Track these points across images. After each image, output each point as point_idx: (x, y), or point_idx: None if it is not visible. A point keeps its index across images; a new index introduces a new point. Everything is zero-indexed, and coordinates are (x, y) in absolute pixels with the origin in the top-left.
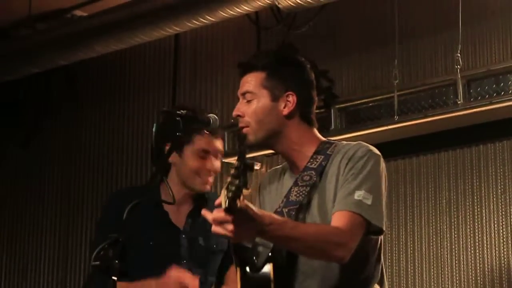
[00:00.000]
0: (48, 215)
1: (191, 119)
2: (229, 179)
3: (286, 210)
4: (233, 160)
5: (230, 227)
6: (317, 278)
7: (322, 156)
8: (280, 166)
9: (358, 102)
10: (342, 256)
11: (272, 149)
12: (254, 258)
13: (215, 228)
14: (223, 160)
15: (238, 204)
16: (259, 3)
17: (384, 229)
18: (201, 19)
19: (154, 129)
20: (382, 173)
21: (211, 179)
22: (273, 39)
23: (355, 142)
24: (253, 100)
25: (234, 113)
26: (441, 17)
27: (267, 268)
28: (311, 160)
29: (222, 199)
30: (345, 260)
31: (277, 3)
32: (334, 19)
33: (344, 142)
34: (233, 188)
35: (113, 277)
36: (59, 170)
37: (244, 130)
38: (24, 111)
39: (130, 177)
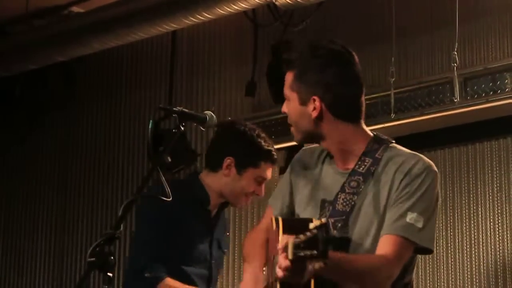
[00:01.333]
0: (44, 212)
1: (188, 116)
2: (302, 236)
3: (332, 221)
4: None
5: (290, 275)
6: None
7: (371, 160)
8: (316, 146)
9: None
10: (387, 285)
11: (319, 144)
12: None
13: (279, 273)
14: None
15: (306, 268)
16: (257, 1)
17: (433, 250)
18: (199, 16)
19: (150, 126)
20: (437, 192)
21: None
22: (270, 37)
23: (411, 153)
24: (289, 101)
25: (282, 109)
26: (438, 15)
27: (309, 283)
28: (359, 163)
29: (290, 250)
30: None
31: (274, 1)
32: (331, 16)
33: (397, 147)
34: (308, 252)
35: (109, 274)
36: (55, 166)
37: (291, 129)
38: (21, 107)
39: (126, 174)
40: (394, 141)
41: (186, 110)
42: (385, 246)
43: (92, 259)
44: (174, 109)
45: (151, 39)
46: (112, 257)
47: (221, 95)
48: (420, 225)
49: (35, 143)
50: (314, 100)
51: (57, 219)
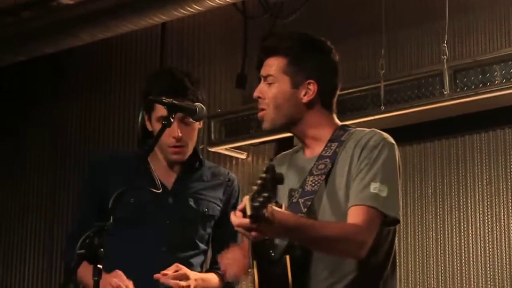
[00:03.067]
0: (34, 204)
1: (178, 108)
2: (254, 188)
3: (302, 200)
4: (220, 149)
5: (254, 233)
6: (328, 265)
7: (336, 143)
8: (288, 151)
9: (345, 91)
10: (361, 254)
11: (289, 132)
12: (271, 251)
13: (238, 229)
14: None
15: (265, 214)
16: None
17: (400, 219)
18: (188, 8)
19: (140, 118)
20: (396, 162)
21: (181, 149)
22: (260, 29)
23: (369, 129)
24: (274, 83)
25: (255, 94)
26: (428, 7)
27: (284, 260)
28: (326, 148)
29: (247, 206)
30: (362, 257)
31: None
32: (321, 8)
33: (359, 129)
34: (261, 199)
35: (99, 266)
36: (45, 158)
37: (261, 114)
38: (10, 99)
39: None
40: (358, 128)
41: (176, 102)
42: (354, 216)
43: (81, 251)
44: (164, 100)
45: (141, 31)
46: (102, 249)
47: (211, 87)
48: (384, 194)
49: (24, 135)
50: (309, 84)
51: (46, 210)
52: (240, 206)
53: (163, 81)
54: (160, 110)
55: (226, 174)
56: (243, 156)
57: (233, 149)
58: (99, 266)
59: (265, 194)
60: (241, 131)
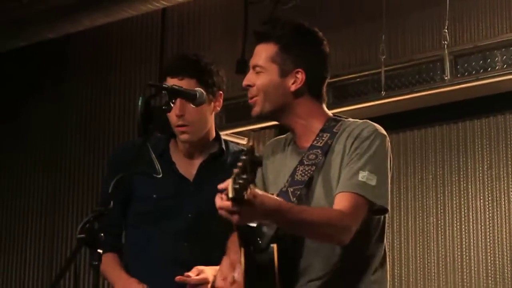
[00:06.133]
0: (35, 190)
1: (178, 93)
2: (236, 170)
3: (291, 189)
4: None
5: (236, 216)
6: (320, 256)
7: (328, 134)
8: (283, 136)
9: (345, 77)
10: (344, 240)
11: (278, 122)
12: (258, 239)
13: (221, 212)
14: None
15: (245, 196)
16: None
17: (388, 208)
18: None
19: (139, 103)
20: (387, 153)
21: (185, 128)
22: (261, 14)
23: (361, 121)
24: (262, 73)
25: (244, 83)
26: None
27: (271, 249)
28: (317, 138)
29: (229, 188)
30: (346, 243)
31: None
32: None
33: (351, 120)
34: (241, 181)
35: (99, 250)
36: (46, 144)
37: (252, 100)
38: (11, 84)
39: None
40: (350, 118)
41: (176, 87)
42: (340, 202)
43: (82, 235)
44: (164, 85)
45: (141, 16)
46: (102, 234)
47: None
48: (373, 183)
49: (25, 121)
50: (297, 73)
51: (48, 197)
52: (222, 185)
53: (176, 61)
54: None
55: None
56: (243, 141)
57: (233, 135)
58: (98, 251)
59: (244, 176)
60: (242, 117)
